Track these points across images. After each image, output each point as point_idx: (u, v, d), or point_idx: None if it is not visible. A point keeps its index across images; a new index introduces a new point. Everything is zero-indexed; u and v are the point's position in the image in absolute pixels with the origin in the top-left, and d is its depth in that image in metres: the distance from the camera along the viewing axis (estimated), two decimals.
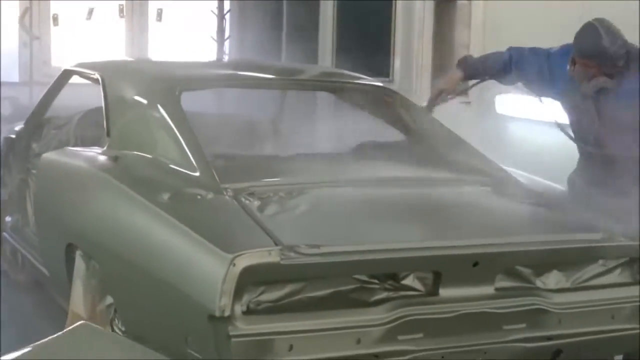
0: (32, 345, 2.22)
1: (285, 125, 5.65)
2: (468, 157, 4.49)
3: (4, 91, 8.50)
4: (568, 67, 4.31)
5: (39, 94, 7.41)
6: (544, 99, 4.62)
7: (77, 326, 2.29)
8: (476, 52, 7.88)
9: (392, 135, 4.95)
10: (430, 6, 8.68)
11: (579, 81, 4.29)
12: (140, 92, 4.52)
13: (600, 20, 4.24)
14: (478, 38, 7.94)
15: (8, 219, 5.79)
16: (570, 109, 4.49)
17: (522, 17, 7.28)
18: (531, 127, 7.08)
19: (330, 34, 9.52)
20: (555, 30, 6.72)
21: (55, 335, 2.20)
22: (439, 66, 8.59)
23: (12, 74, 9.20)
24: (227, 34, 9.28)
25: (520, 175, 4.43)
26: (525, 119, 7.13)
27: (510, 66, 4.64)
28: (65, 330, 2.30)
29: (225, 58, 9.27)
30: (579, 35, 4.29)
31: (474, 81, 4.97)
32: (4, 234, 5.82)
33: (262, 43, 9.28)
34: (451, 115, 6.55)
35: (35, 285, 5.60)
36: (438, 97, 4.77)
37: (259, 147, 5.52)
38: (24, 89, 8.74)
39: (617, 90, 4.22)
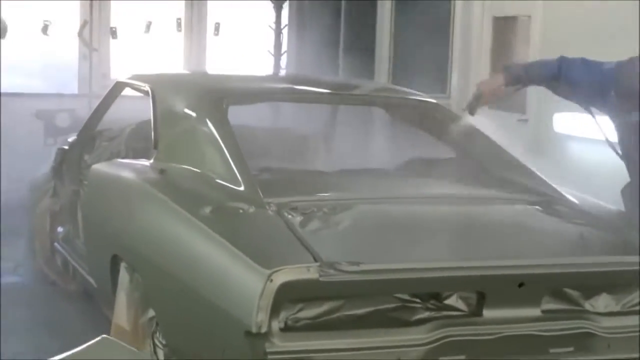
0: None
1: (334, 140, 5.61)
2: (518, 175, 4.40)
3: (63, 103, 8.60)
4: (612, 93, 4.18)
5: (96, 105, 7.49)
6: (592, 112, 4.49)
7: (96, 341, 2.27)
8: None
9: (442, 152, 4.88)
10: (489, 22, 8.60)
11: (619, 109, 4.19)
12: (187, 105, 4.52)
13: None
14: (537, 54, 7.83)
15: (60, 229, 5.84)
16: (619, 125, 4.36)
17: (581, 34, 7.17)
18: (589, 147, 6.96)
19: (387, 50, 9.49)
20: (614, 46, 6.62)
21: (75, 350, 2.18)
22: None
23: (71, 86, 9.32)
24: (284, 48, 9.28)
25: (572, 194, 4.32)
26: (583, 137, 7.02)
27: (559, 75, 4.49)
28: (86, 344, 2.28)
29: (282, 73, 9.27)
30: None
31: (515, 87, 4.78)
32: (56, 244, 5.86)
33: (318, 58, 9.27)
34: (508, 132, 6.49)
35: (85, 296, 5.63)
36: (478, 101, 4.62)
37: (306, 162, 5.49)
38: (83, 101, 8.83)
39: None
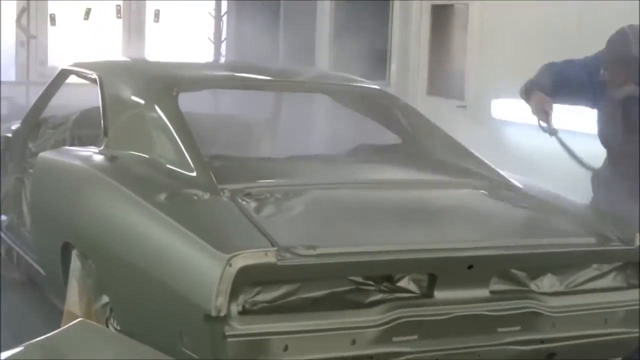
0: (25, 344, 2.22)
1: (281, 126, 5.67)
2: (464, 160, 4.51)
3: (0, 91, 8.50)
4: (601, 71, 4.33)
5: (35, 93, 7.42)
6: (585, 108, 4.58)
7: (74, 323, 2.29)
8: (473, 54, 7.94)
9: (388, 138, 4.97)
10: (427, 9, 8.71)
11: (608, 86, 4.33)
12: (137, 92, 4.53)
13: (633, 27, 4.25)
14: (475, 41, 7.97)
15: (3, 218, 5.79)
16: (600, 114, 4.50)
17: (518, 20, 7.31)
18: (525, 132, 7.11)
19: (327, 36, 9.54)
20: (552, 33, 6.78)
21: (52, 333, 2.20)
22: (435, 69, 8.62)
23: (9, 74, 9.21)
24: (224, 35, 9.28)
25: (516, 178, 4.44)
26: (520, 123, 7.16)
27: (555, 81, 4.57)
28: (62, 327, 2.30)
29: (222, 60, 9.28)
30: (610, 41, 4.30)
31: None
32: (0, 233, 5.81)
33: (258, 45, 9.29)
34: (447, 118, 6.61)
35: (30, 285, 5.60)
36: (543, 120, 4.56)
37: (256, 149, 5.54)
38: (21, 89, 8.73)
39: None
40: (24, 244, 5.28)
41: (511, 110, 7.24)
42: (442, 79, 8.31)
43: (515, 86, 6.82)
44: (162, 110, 4.22)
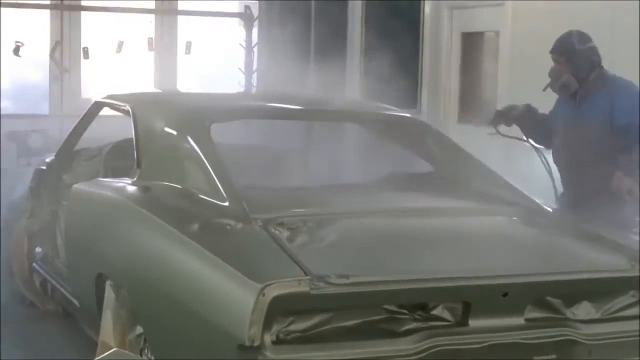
0: None
1: (313, 156, 5.67)
2: (497, 187, 4.49)
3: (34, 124, 8.60)
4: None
5: (68, 126, 7.50)
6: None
7: (109, 354, 2.31)
8: (504, 81, 7.93)
9: (420, 165, 4.96)
10: (457, 36, 8.72)
11: (551, 80, 5.10)
12: (170, 124, 4.56)
13: (579, 31, 5.06)
14: (505, 68, 7.96)
15: (38, 250, 5.84)
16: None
17: (549, 47, 7.29)
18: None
19: (358, 66, 9.58)
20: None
21: None
22: (466, 97, 8.62)
23: (42, 107, 9.32)
24: (254, 66, 9.33)
25: (549, 205, 4.42)
26: None
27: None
28: (97, 358, 2.31)
29: (254, 90, 9.33)
30: (557, 39, 5.08)
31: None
32: (34, 265, 5.86)
33: (290, 75, 9.33)
34: (478, 146, 6.58)
35: (64, 316, 5.63)
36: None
37: (288, 178, 5.54)
38: (54, 122, 8.81)
39: (582, 106, 5.00)
40: (58, 276, 5.31)
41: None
42: (473, 106, 8.29)
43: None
44: (195, 141, 4.24)
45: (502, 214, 4.19)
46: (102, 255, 4.27)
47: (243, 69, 9.21)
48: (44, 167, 5.92)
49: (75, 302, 4.84)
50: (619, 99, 4.89)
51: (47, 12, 9.28)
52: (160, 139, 4.53)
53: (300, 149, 5.99)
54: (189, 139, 4.29)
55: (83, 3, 9.52)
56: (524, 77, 7.66)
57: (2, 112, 9.32)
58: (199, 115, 4.52)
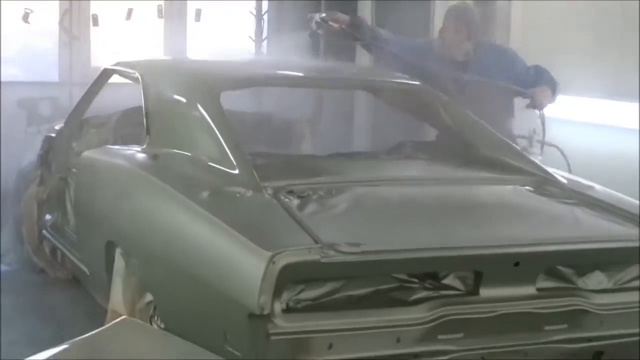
0: (69, 342, 2.22)
1: (323, 124, 5.65)
2: (508, 155, 4.46)
3: (44, 91, 8.56)
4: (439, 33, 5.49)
5: (78, 94, 7.46)
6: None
7: (119, 321, 2.30)
8: (515, 46, 7.86)
9: (431, 133, 4.93)
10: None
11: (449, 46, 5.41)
12: (179, 91, 4.53)
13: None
14: (517, 38, 7.89)
15: (48, 217, 5.84)
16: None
17: (561, 17, 7.23)
18: (567, 128, 7.04)
19: None
20: (593, 29, 6.70)
21: (97, 330, 2.20)
22: None
23: (52, 74, 9.27)
24: (264, 34, 9.27)
25: (561, 175, 4.39)
26: (560, 119, 7.09)
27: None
28: (106, 325, 2.30)
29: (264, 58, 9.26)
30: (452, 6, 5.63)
31: None
32: (44, 232, 5.86)
33: (299, 44, 9.27)
34: None
35: (74, 283, 5.64)
36: None
37: (298, 146, 5.53)
38: (64, 89, 8.77)
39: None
40: (68, 243, 5.32)
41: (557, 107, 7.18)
42: None
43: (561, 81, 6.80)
44: (204, 109, 4.21)
45: (514, 183, 4.16)
46: (112, 223, 4.26)
47: (253, 37, 9.13)
48: (53, 135, 5.91)
49: (85, 269, 4.84)
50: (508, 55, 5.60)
51: None
52: (170, 106, 4.50)
53: (311, 116, 5.97)
54: (199, 106, 4.26)
55: None
56: (535, 45, 7.60)
57: (11, 79, 9.31)
58: (208, 82, 4.48)
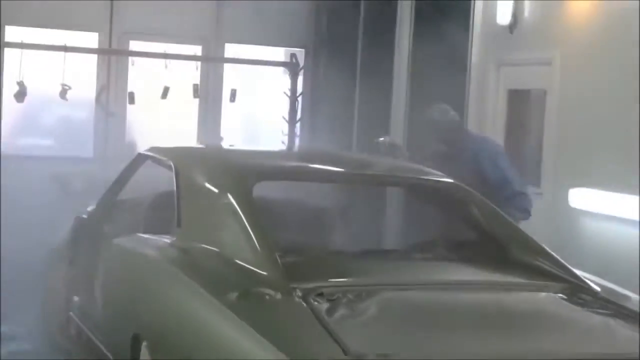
0: None
1: (355, 215, 5.62)
2: (541, 259, 4.39)
3: (78, 166, 8.64)
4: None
5: (111, 169, 7.52)
6: None
7: None
8: (550, 140, 7.83)
9: (463, 232, 4.88)
10: (503, 93, 8.65)
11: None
12: (212, 184, 4.53)
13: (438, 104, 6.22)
14: (552, 127, 7.86)
15: (76, 299, 5.82)
16: None
17: (596, 108, 7.22)
18: (605, 223, 6.96)
19: (403, 119, 9.53)
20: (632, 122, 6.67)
21: None
22: (510, 154, 8.51)
23: (87, 149, 9.39)
24: (299, 115, 9.33)
25: (593, 280, 4.32)
26: (599, 214, 7.02)
27: None
28: None
29: (297, 139, 9.30)
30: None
31: None
32: (71, 313, 5.84)
33: (333, 125, 9.33)
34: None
35: None
36: None
37: (328, 240, 5.49)
38: (98, 165, 8.87)
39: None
40: (95, 328, 5.28)
41: (591, 200, 7.12)
42: (517, 164, 8.18)
43: (596, 175, 6.73)
44: (236, 203, 4.20)
45: (547, 290, 4.09)
46: (139, 316, 4.24)
47: (287, 117, 9.18)
48: (84, 216, 5.92)
49: (110, 356, 4.81)
50: (492, 156, 6.04)
51: (94, 56, 9.37)
52: (202, 198, 4.50)
53: (342, 206, 5.94)
54: (230, 200, 4.26)
55: (130, 48, 9.60)
56: (570, 135, 7.58)
57: (46, 153, 9.43)
58: (241, 174, 4.48)
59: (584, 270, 4.40)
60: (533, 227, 7.14)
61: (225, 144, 7.36)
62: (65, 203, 7.76)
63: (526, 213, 6.09)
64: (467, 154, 5.98)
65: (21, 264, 7.26)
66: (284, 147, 8.73)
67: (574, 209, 7.36)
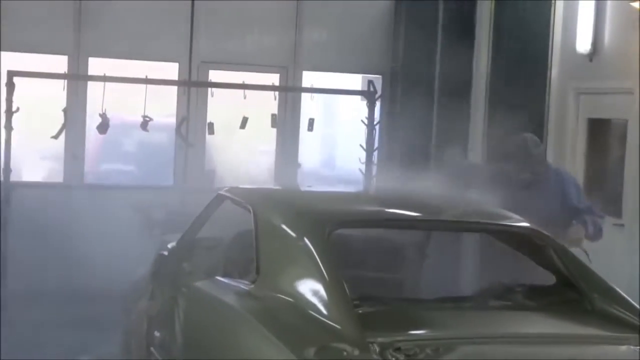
0: None
1: (431, 257, 5.60)
2: (621, 309, 4.34)
3: (158, 196, 8.79)
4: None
5: (191, 199, 7.64)
6: None
7: None
8: (631, 170, 7.71)
9: (542, 278, 4.83)
10: (583, 122, 8.56)
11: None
12: (290, 229, 4.56)
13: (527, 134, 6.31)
14: (633, 157, 7.75)
15: (157, 334, 5.91)
16: None
17: None
18: None
19: (481, 148, 9.49)
20: None
21: None
22: (591, 184, 8.41)
23: (167, 179, 9.55)
24: (376, 144, 9.34)
25: None
26: None
27: None
28: None
29: (374, 168, 9.31)
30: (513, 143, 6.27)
31: None
32: (152, 348, 5.94)
33: (410, 154, 9.32)
34: (603, 239, 6.41)
35: None
36: None
37: (405, 280, 5.48)
38: (178, 194, 9.01)
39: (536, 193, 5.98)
40: None
41: None
42: (598, 194, 8.08)
43: None
44: (314, 252, 4.23)
45: (628, 343, 4.03)
46: None
47: (364, 145, 9.20)
48: (165, 252, 6.02)
49: None
50: (568, 185, 6.17)
51: (174, 88, 9.53)
52: (280, 245, 4.54)
53: (417, 244, 5.92)
54: (308, 248, 4.28)
55: (210, 78, 9.74)
56: None
57: (129, 182, 9.62)
58: (319, 221, 4.51)
59: None
60: (614, 259, 7.10)
61: (303, 186, 7.38)
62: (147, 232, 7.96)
63: (598, 230, 6.15)
64: (549, 184, 6.15)
65: (104, 295, 7.44)
66: (361, 181, 8.77)
67: None
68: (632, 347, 4.00)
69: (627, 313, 4.30)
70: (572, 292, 4.54)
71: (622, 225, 7.77)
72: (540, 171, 6.17)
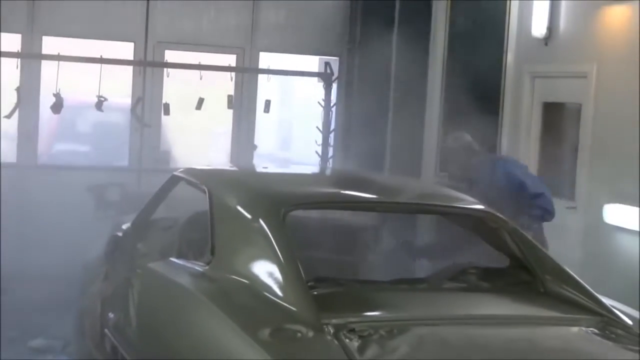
0: None
1: (385, 238, 5.63)
2: (573, 291, 4.39)
3: (113, 177, 8.73)
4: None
5: (147, 179, 7.59)
6: None
7: None
8: (585, 154, 7.79)
9: (495, 259, 4.87)
10: (538, 106, 8.62)
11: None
12: (245, 210, 4.55)
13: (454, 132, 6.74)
14: (587, 141, 7.82)
15: (111, 315, 5.88)
16: None
17: (631, 123, 7.16)
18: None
19: (436, 131, 9.54)
20: None
21: None
22: (545, 167, 8.49)
23: (122, 159, 9.48)
24: (332, 125, 9.35)
25: (626, 313, 4.30)
26: (635, 230, 6.97)
27: None
28: None
29: (330, 149, 9.32)
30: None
31: None
32: (106, 330, 5.90)
33: (366, 136, 9.35)
34: (555, 219, 6.48)
35: None
36: None
37: (360, 262, 5.50)
38: (133, 175, 8.96)
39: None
40: (129, 345, 5.33)
41: (627, 217, 7.07)
42: (551, 177, 8.16)
43: (631, 190, 6.68)
44: (268, 233, 4.23)
45: (579, 324, 4.08)
46: (170, 344, 4.28)
47: (321, 127, 9.20)
48: (119, 234, 5.98)
49: None
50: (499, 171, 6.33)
51: (130, 68, 9.45)
52: (235, 226, 4.53)
53: (372, 226, 5.95)
54: (263, 229, 4.28)
55: (165, 58, 9.67)
56: (604, 149, 7.54)
57: (82, 164, 9.53)
58: (275, 202, 4.50)
59: (616, 286, 4.39)
60: (566, 241, 7.18)
61: (258, 167, 7.37)
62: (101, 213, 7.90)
63: (547, 213, 6.33)
64: (483, 176, 6.31)
65: (57, 278, 7.38)
66: (317, 159, 8.77)
67: (608, 225, 7.32)
68: (583, 328, 4.06)
69: (579, 295, 4.35)
70: (525, 274, 4.59)
71: (575, 208, 7.84)
72: (469, 164, 6.40)
